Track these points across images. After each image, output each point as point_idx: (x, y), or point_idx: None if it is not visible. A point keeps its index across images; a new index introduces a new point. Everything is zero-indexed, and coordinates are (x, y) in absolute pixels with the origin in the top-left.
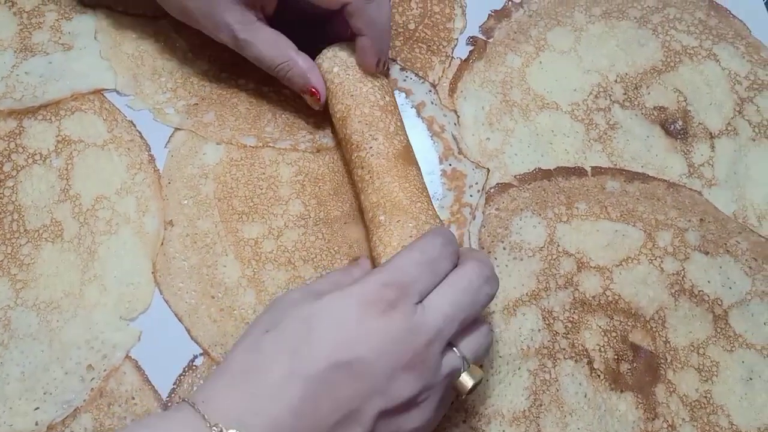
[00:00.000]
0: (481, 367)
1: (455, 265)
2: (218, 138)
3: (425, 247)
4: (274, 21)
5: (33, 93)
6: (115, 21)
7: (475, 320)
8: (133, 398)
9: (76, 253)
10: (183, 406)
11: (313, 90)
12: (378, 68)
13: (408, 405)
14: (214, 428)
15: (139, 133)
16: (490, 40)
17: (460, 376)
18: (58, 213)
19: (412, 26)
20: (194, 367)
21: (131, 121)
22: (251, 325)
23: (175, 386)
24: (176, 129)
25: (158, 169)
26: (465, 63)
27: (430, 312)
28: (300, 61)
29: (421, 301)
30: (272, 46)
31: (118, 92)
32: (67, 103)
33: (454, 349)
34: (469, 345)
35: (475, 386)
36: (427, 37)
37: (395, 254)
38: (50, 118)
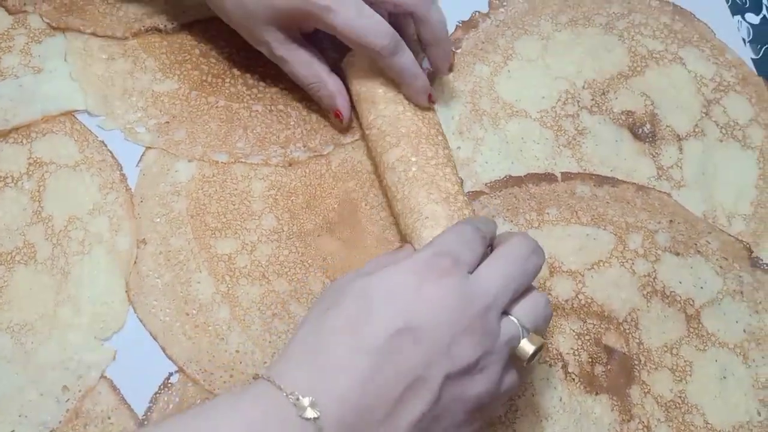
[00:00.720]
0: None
1: (487, 248)
2: (190, 155)
3: (460, 229)
4: (312, 37)
5: (4, 116)
6: (84, 43)
7: (530, 290)
8: (109, 418)
9: (50, 274)
10: (258, 381)
11: (338, 113)
12: (452, 71)
13: (471, 369)
14: (291, 396)
15: (111, 152)
16: (459, 51)
17: (519, 343)
18: (30, 235)
19: None
20: (170, 385)
21: (102, 141)
22: (311, 308)
23: (151, 404)
24: (148, 148)
25: (130, 188)
26: (433, 73)
27: (482, 280)
28: (329, 83)
29: (470, 273)
30: (305, 66)
31: (88, 113)
32: (38, 125)
33: (511, 317)
34: (526, 313)
35: (536, 353)
36: None
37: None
38: (21, 141)
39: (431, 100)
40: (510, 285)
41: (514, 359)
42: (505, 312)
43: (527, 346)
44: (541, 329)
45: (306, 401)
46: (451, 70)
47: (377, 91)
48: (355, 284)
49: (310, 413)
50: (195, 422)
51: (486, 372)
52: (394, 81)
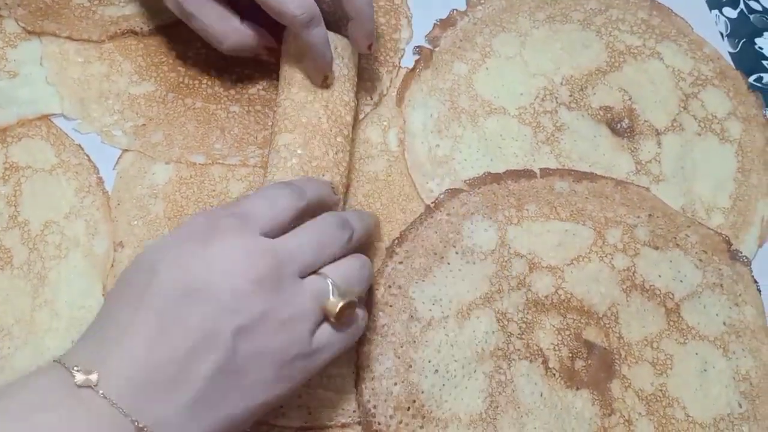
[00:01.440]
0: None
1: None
2: (167, 157)
3: (265, 190)
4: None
5: None
6: (60, 47)
7: (345, 256)
8: None
9: (26, 279)
10: (45, 368)
11: (268, 48)
12: (371, 50)
13: (265, 321)
14: (75, 369)
15: (87, 156)
16: (437, 49)
17: (328, 299)
18: (7, 240)
19: None
20: None
21: (79, 145)
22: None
23: None
24: (124, 150)
25: (107, 192)
26: (412, 72)
27: (280, 241)
28: (243, 28)
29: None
30: (217, 21)
31: (65, 117)
32: (14, 129)
33: (320, 274)
34: (338, 272)
35: (345, 309)
36: None
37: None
38: None
39: (324, 84)
40: (311, 245)
41: (329, 317)
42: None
43: (335, 302)
44: (357, 289)
45: (83, 370)
46: (371, 49)
47: (296, 74)
48: (144, 257)
49: (82, 378)
50: None
51: (289, 327)
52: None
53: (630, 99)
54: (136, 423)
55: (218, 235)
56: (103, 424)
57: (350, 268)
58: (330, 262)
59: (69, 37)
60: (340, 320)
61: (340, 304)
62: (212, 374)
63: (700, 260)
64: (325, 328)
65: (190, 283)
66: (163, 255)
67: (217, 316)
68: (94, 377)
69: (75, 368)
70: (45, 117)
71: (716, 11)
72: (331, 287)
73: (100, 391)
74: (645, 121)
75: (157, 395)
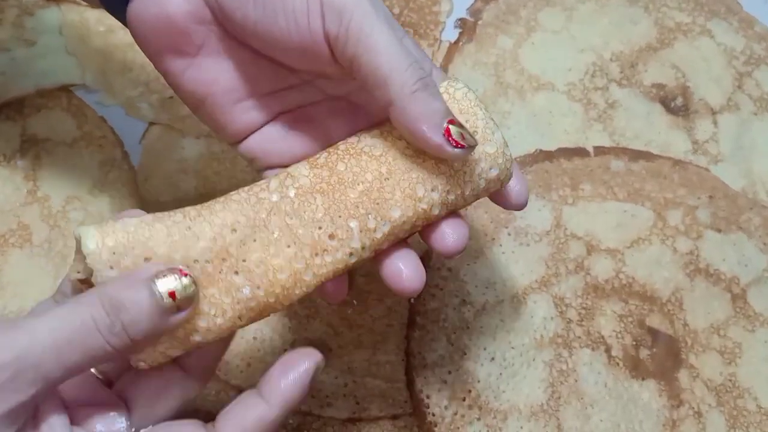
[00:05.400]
0: None
1: None
2: (197, 131)
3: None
4: None
5: None
6: (80, 15)
7: None
8: None
9: (47, 258)
10: None
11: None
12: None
13: None
14: None
15: (111, 128)
16: (479, 22)
17: None
18: (25, 216)
19: (396, 10)
20: None
21: (102, 117)
22: None
23: None
24: (151, 124)
25: (133, 166)
26: (454, 45)
27: None
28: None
29: None
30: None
31: (86, 88)
32: (33, 100)
33: None
34: None
35: None
36: (413, 21)
37: None
38: (14, 117)
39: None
40: None
41: None
42: None
43: None
44: None
45: None
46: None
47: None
48: None
49: None
50: None
51: None
52: None
53: (683, 76)
54: None
55: None
56: None
57: None
58: None
59: (89, 5)
60: None
61: None
62: None
63: (765, 244)
64: None
65: None
66: None
67: None
68: None
69: None
70: (65, 87)
71: None
72: None
73: None
74: (700, 99)
75: None
